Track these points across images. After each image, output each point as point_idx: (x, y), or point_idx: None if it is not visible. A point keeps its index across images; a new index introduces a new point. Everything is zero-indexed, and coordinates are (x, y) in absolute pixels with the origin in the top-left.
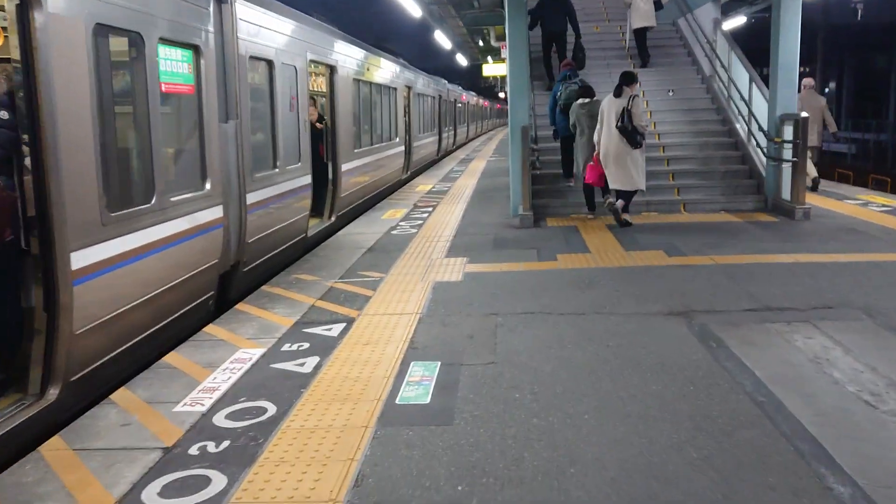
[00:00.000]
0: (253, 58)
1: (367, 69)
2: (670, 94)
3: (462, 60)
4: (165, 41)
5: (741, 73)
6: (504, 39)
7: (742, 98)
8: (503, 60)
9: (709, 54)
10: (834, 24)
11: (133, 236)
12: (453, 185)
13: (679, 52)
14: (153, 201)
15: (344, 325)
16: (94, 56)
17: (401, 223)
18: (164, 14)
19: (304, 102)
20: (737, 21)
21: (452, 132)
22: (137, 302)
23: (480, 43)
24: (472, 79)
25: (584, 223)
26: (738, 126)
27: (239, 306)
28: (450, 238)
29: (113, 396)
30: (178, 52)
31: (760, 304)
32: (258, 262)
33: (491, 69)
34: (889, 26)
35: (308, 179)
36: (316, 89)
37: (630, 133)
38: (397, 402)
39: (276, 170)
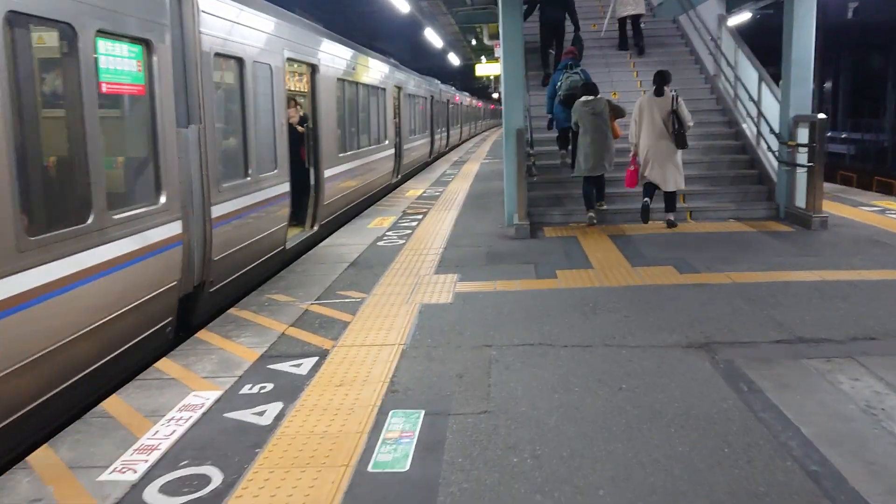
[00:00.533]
0: (219, 55)
1: (354, 69)
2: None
3: (454, 60)
4: (106, 34)
5: (749, 72)
6: (498, 38)
7: (751, 98)
8: (497, 60)
9: (713, 52)
10: (830, 24)
11: (62, 263)
12: (445, 190)
13: (680, 49)
14: (90, 220)
15: (316, 359)
16: (10, 51)
17: (388, 233)
18: (104, 3)
19: (280, 104)
20: (741, 18)
21: (445, 134)
22: (71, 338)
23: (473, 42)
24: (464, 79)
25: (585, 233)
26: (745, 128)
27: (201, 334)
28: (440, 250)
29: (31, 458)
30: (123, 48)
31: (791, 335)
32: (227, 280)
33: (484, 69)
34: (886, 24)
35: (286, 187)
36: (297, 90)
37: (683, 135)
38: (370, 468)
39: (248, 178)
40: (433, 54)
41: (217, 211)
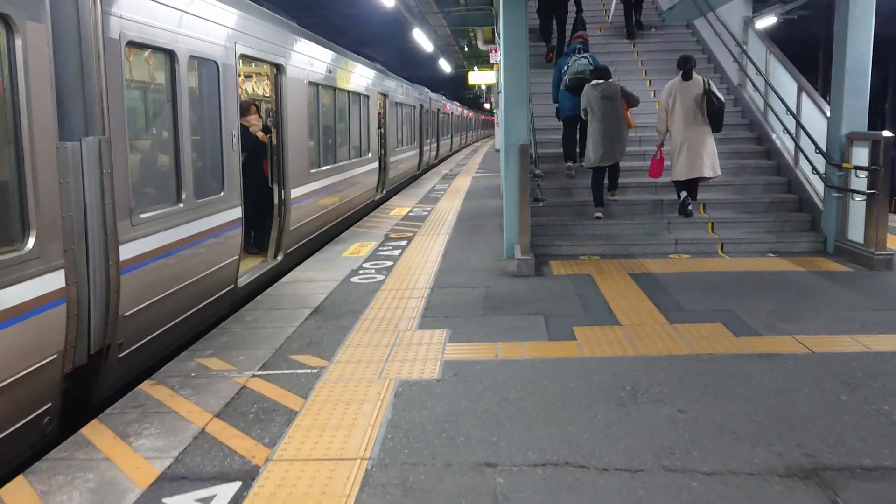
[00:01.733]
0: (136, 45)
1: (331, 72)
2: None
3: (446, 67)
4: None
5: (784, 81)
6: (493, 43)
7: (788, 110)
8: (492, 67)
9: (738, 59)
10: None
11: None
12: (434, 209)
13: (696, 57)
14: None
15: (237, 487)
16: None
17: (365, 264)
18: None
19: (230, 111)
20: (765, 22)
21: (435, 145)
22: None
23: (466, 49)
24: (456, 88)
25: (600, 270)
26: (779, 144)
27: (89, 429)
28: (425, 291)
29: None
30: None
31: None
32: (148, 339)
33: (477, 77)
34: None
35: (237, 213)
36: (263, 95)
37: (720, 117)
38: None
39: (181, 205)
40: (423, 62)
41: (129, 251)
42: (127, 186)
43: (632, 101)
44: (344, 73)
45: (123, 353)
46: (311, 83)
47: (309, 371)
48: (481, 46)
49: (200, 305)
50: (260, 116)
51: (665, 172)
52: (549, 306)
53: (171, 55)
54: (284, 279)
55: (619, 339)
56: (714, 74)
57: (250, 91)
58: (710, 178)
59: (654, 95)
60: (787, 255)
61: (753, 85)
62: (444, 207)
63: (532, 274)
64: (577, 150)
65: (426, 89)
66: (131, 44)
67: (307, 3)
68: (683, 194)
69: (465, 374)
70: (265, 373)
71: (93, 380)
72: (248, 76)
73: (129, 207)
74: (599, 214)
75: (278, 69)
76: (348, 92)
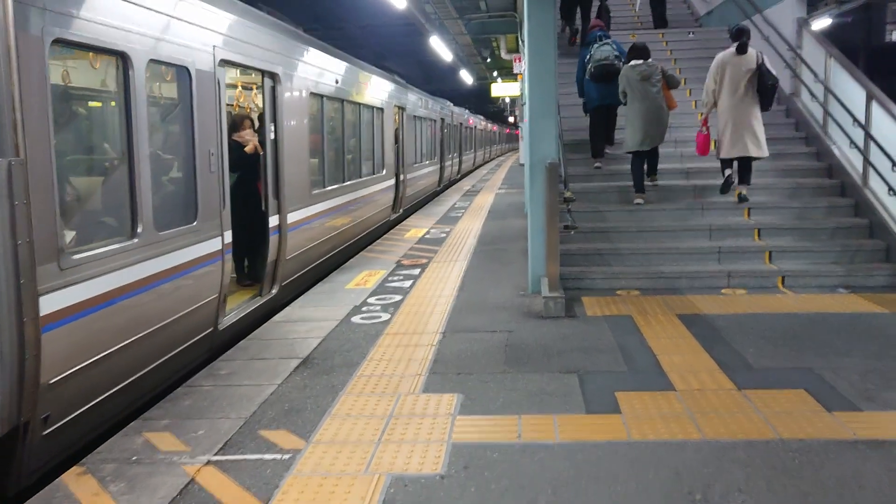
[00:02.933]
0: (67, 43)
1: (338, 82)
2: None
3: (467, 78)
4: None
5: (848, 88)
6: (517, 52)
7: (856, 122)
8: (515, 78)
9: (791, 64)
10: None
11: None
12: (452, 230)
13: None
14: None
15: None
16: None
17: (370, 299)
18: None
19: (209, 125)
20: (821, 24)
21: (457, 160)
22: None
23: (488, 59)
24: (479, 102)
25: (642, 309)
26: (842, 161)
27: None
28: (436, 337)
29: None
30: None
31: None
32: (84, 410)
33: (501, 89)
34: None
35: (215, 244)
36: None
37: (772, 94)
38: None
39: (135, 240)
40: (446, 75)
41: (55, 302)
42: (53, 221)
43: (672, 82)
44: (354, 85)
45: (49, 430)
46: (313, 95)
47: (279, 457)
48: (504, 56)
49: (164, 359)
50: (256, 131)
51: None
52: (583, 360)
53: (122, 58)
54: (276, 318)
55: (676, 413)
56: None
57: (239, 103)
58: (757, 158)
59: (690, 95)
60: (862, 290)
61: (811, 93)
62: (463, 229)
63: (562, 315)
64: (604, 144)
65: (448, 102)
66: (61, 43)
67: (322, 15)
68: (728, 171)
69: (477, 466)
70: (224, 458)
71: (5, 466)
72: (247, 87)
73: (58, 247)
74: (640, 201)
75: (272, 78)
76: (359, 105)
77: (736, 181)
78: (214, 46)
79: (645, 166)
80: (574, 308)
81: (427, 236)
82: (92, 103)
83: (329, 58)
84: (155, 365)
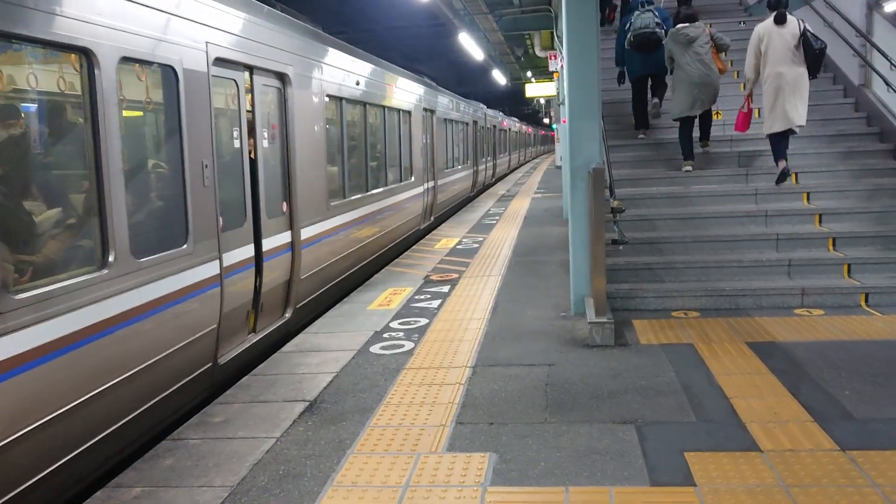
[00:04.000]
0: (8, 37)
1: (358, 84)
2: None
3: (500, 79)
4: None
5: None
6: (552, 48)
7: None
8: (551, 77)
9: (860, 52)
10: None
11: None
12: (486, 239)
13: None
14: None
15: None
16: None
17: (393, 323)
18: None
19: (200, 133)
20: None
21: (491, 163)
22: None
23: (522, 58)
24: (514, 104)
25: (705, 335)
26: None
27: None
28: (465, 373)
29: None
30: None
31: None
32: (33, 481)
33: (535, 90)
34: None
35: (213, 268)
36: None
37: (819, 60)
38: None
39: (105, 271)
40: (479, 77)
41: None
42: None
43: (721, 44)
44: (378, 87)
45: None
46: (330, 97)
47: None
48: (539, 53)
49: (147, 406)
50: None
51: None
52: (641, 405)
53: (85, 55)
54: (286, 347)
55: (766, 486)
56: (824, 74)
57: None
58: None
59: (738, 77)
60: None
61: (886, 83)
62: (497, 238)
63: (611, 344)
64: (647, 110)
65: (481, 105)
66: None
67: (350, 18)
68: (782, 164)
69: None
70: None
71: None
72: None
73: None
74: (689, 168)
75: (281, 79)
76: (383, 108)
77: (787, 167)
78: (208, 43)
79: (696, 133)
80: (625, 334)
81: (459, 247)
82: (47, 108)
83: (349, 58)
84: (135, 415)
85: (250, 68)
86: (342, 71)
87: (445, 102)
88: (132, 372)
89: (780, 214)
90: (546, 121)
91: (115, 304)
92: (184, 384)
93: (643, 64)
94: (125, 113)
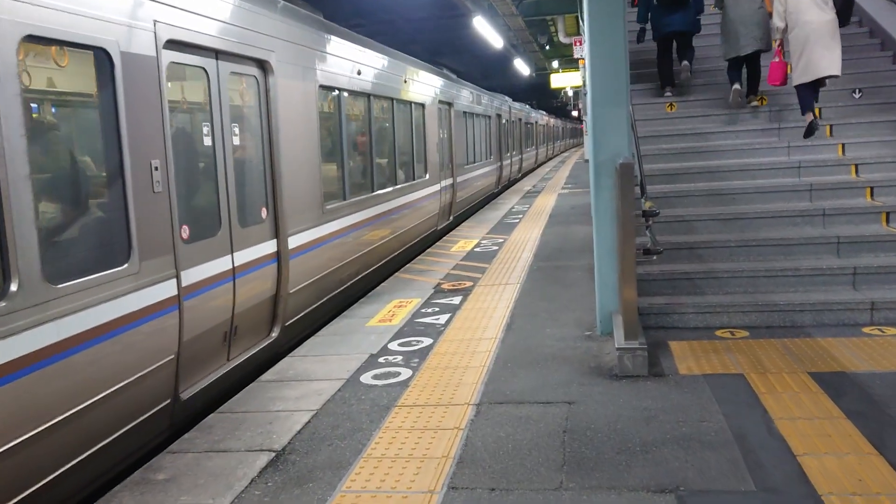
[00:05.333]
0: None
1: (360, 73)
2: (857, 95)
3: (524, 69)
4: None
5: None
6: (578, 34)
7: None
8: (577, 66)
9: None
10: None
11: None
12: (507, 241)
13: (855, 32)
14: None
15: None
16: None
17: (392, 344)
18: None
19: (146, 130)
20: None
21: (518, 158)
22: None
23: (547, 47)
24: (542, 97)
25: (758, 363)
26: None
27: None
28: (468, 413)
29: None
30: None
31: None
32: None
33: (561, 80)
34: None
35: (168, 290)
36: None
37: (850, 7)
38: None
39: (2, 303)
40: (503, 70)
41: None
42: None
43: None
44: (384, 77)
45: None
46: (325, 88)
47: None
48: (563, 40)
49: (77, 460)
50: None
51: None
52: (683, 464)
53: None
54: (265, 376)
55: None
56: (883, 53)
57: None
58: (836, 76)
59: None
60: None
61: None
62: (519, 239)
63: (644, 374)
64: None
65: (506, 98)
66: None
67: (368, 10)
68: (809, 117)
69: None
70: None
71: None
72: None
73: None
74: (738, 88)
75: (262, 68)
76: (392, 100)
77: (816, 120)
78: (157, 22)
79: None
80: (660, 360)
81: (476, 249)
82: None
83: (348, 45)
84: (58, 474)
85: (219, 54)
86: (340, 59)
87: (466, 95)
88: (49, 424)
89: (839, 213)
90: (574, 113)
91: (20, 342)
92: (129, 430)
93: (671, 21)
94: (30, 106)
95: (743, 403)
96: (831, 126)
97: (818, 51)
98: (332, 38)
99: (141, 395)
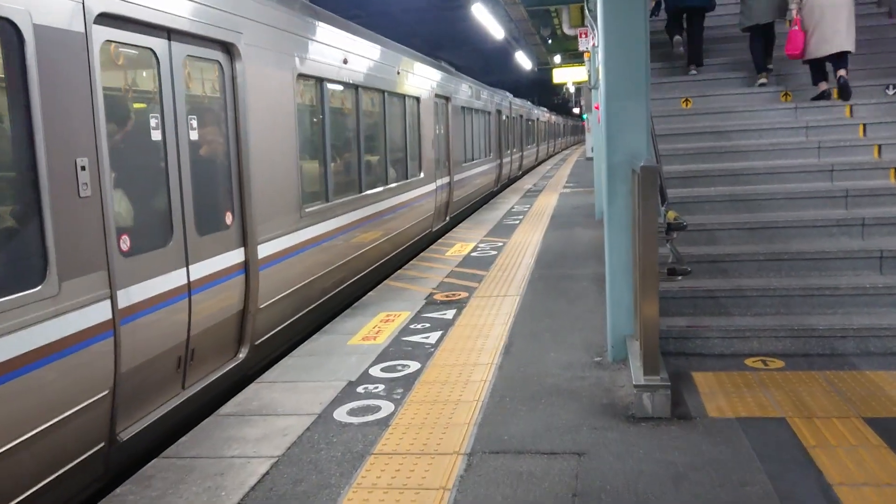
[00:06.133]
0: None
1: (346, 62)
2: (891, 91)
3: (526, 63)
4: None
5: None
6: (582, 24)
7: None
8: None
9: None
10: None
11: None
12: (506, 245)
13: (886, 24)
14: None
15: None
16: None
17: (374, 370)
18: None
19: (68, 124)
20: None
21: (518, 155)
22: None
23: (550, 41)
24: (543, 93)
25: (800, 403)
26: None
27: None
28: (457, 465)
29: None
30: None
31: None
32: None
33: (564, 74)
34: None
35: (99, 314)
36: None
37: None
38: None
39: None
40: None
41: None
42: None
43: None
44: (374, 67)
45: None
46: (304, 77)
47: None
48: (567, 31)
49: None
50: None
51: None
52: None
53: None
54: (224, 408)
55: None
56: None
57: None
58: (849, 52)
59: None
60: None
61: None
62: (519, 242)
63: (667, 415)
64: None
65: (507, 93)
66: None
67: (364, 1)
68: (823, 86)
69: None
70: None
71: None
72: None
73: None
74: (764, 80)
75: (228, 51)
76: (383, 93)
77: (829, 88)
78: None
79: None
80: (684, 396)
81: (474, 254)
82: None
83: (333, 30)
84: None
85: (172, 33)
86: (324, 46)
87: (465, 89)
88: None
89: (880, 223)
90: (576, 111)
91: None
92: (50, 483)
93: None
94: None
95: (790, 460)
96: (865, 126)
97: (833, 25)
98: (315, 22)
99: (65, 440)
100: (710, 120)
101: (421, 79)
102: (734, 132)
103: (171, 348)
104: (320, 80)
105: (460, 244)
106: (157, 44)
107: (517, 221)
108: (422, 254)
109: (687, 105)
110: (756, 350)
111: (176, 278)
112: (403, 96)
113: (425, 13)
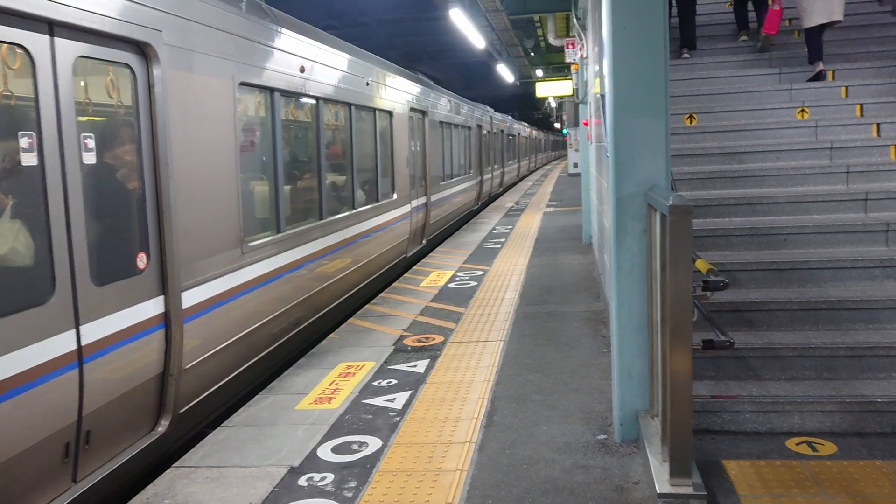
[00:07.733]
0: None
1: (303, 70)
2: None
3: (508, 76)
4: None
5: None
6: (568, 35)
7: None
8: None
9: None
10: None
11: None
12: (487, 273)
13: (887, 33)
14: None
15: None
16: None
17: (322, 449)
18: None
19: None
20: None
21: (499, 171)
22: None
23: (532, 53)
24: (523, 107)
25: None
26: None
27: None
28: None
29: None
30: None
31: None
32: None
33: (546, 88)
34: None
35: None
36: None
37: None
38: None
39: None
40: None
41: None
42: None
43: None
44: (341, 77)
45: None
46: (247, 86)
47: None
48: (553, 41)
49: None
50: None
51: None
52: None
53: None
54: (136, 501)
55: None
56: None
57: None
58: (839, 21)
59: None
60: None
61: None
62: (501, 270)
63: None
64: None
65: (488, 108)
66: None
67: (339, 10)
68: (819, 66)
69: None
70: None
71: None
72: None
73: None
74: (745, 38)
75: (142, 52)
76: (350, 106)
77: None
78: None
79: None
80: (717, 497)
81: (451, 285)
82: None
83: (290, 34)
84: None
85: (55, 27)
86: (276, 51)
87: (443, 104)
88: None
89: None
90: (557, 125)
91: None
92: None
93: None
94: None
95: None
96: None
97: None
98: (264, 23)
99: None
100: (718, 140)
101: (394, 91)
102: (746, 154)
103: (51, 435)
104: (270, 91)
105: (437, 272)
106: (32, 39)
107: (499, 245)
108: (394, 284)
109: (691, 122)
110: (799, 428)
111: (59, 344)
112: (374, 110)
113: (402, 24)
